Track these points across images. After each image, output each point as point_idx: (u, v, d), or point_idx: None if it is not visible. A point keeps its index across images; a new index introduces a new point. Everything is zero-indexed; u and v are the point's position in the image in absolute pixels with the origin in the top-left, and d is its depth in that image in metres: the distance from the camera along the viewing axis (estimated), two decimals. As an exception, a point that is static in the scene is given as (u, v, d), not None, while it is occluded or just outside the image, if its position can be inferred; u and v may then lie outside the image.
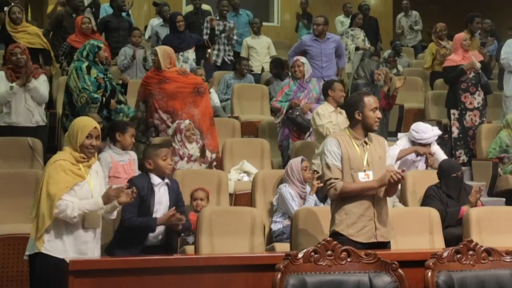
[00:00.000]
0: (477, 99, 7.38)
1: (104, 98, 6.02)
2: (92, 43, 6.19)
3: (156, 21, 10.14)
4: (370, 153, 4.08)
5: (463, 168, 6.52)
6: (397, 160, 5.88)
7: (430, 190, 5.49)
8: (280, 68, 8.48)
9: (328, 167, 4.01)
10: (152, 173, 4.38)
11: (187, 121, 5.79)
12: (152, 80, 6.20)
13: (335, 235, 4.01)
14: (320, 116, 6.04)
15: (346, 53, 9.73)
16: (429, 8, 15.30)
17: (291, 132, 6.66)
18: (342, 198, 4.01)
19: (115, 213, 4.08)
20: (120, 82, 7.39)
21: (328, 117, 6.04)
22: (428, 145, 6.06)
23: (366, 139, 4.11)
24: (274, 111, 6.76)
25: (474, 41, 8.80)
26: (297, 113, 6.52)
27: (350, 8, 11.55)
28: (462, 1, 13.67)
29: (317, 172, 5.75)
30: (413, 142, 6.09)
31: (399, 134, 6.56)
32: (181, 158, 5.68)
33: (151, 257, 4.07)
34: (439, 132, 6.25)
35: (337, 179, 3.99)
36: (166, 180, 4.42)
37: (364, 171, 4.03)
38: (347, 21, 11.06)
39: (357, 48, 9.85)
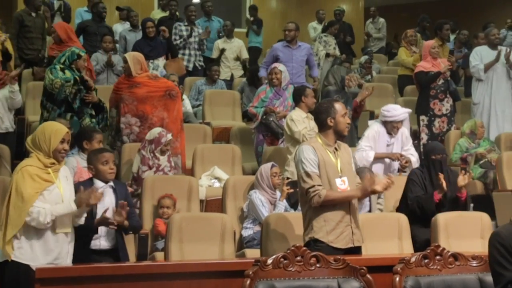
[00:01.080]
0: (446, 105, 7.47)
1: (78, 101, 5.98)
2: (73, 50, 6.15)
3: (120, 27, 10.05)
4: (341, 159, 4.14)
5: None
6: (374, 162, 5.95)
7: (412, 173, 5.49)
8: (256, 78, 8.37)
9: (308, 174, 4.03)
10: (96, 178, 4.36)
11: (169, 136, 5.73)
12: (123, 86, 6.21)
13: (314, 242, 4.03)
14: (295, 122, 6.06)
15: (316, 59, 9.81)
16: (400, 16, 15.50)
17: (265, 138, 6.68)
18: (321, 206, 4.04)
19: (83, 218, 4.04)
20: None
21: (302, 122, 6.07)
22: (400, 122, 6.11)
23: (336, 146, 4.15)
24: (250, 117, 6.75)
25: (445, 48, 8.93)
26: (271, 118, 6.54)
27: (323, 14, 11.64)
28: (433, 9, 13.86)
29: (288, 178, 5.77)
30: (385, 123, 6.14)
31: (370, 122, 6.63)
32: (150, 168, 5.65)
33: (120, 264, 4.07)
34: (409, 110, 6.36)
35: (320, 185, 4.01)
36: (111, 183, 4.37)
37: (340, 177, 4.08)
38: (320, 27, 11.15)
39: (327, 55, 9.92)
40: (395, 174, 6.01)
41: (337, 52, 10.19)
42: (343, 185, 4.07)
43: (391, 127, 6.10)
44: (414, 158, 6.12)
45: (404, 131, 6.24)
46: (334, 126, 4.11)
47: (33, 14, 8.46)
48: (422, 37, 9.76)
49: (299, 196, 4.29)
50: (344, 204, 4.08)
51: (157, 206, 5.27)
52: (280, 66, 6.95)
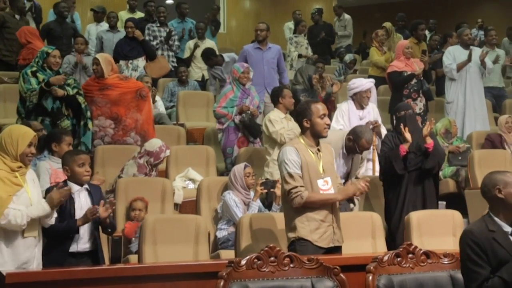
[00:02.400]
0: (419, 105, 7.53)
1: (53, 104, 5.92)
2: (42, 49, 6.16)
3: (93, 27, 10.00)
4: (324, 160, 4.16)
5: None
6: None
7: (385, 136, 5.66)
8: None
9: (291, 175, 4.05)
10: (70, 180, 4.29)
11: (168, 152, 5.72)
12: (93, 88, 6.16)
13: (298, 241, 4.05)
14: (273, 122, 6.05)
15: (288, 60, 9.83)
16: (374, 16, 15.62)
17: (237, 138, 6.64)
18: (302, 206, 4.06)
19: (53, 219, 4.00)
20: None
21: (280, 123, 6.07)
22: (368, 91, 6.29)
23: (318, 147, 4.17)
24: (218, 117, 6.67)
25: (421, 46, 9.01)
26: (250, 117, 6.51)
27: (299, 15, 11.65)
28: (406, 9, 13.97)
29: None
30: (355, 97, 6.29)
31: (338, 105, 6.69)
32: (146, 176, 5.64)
33: (93, 267, 4.03)
34: (373, 80, 6.69)
35: (302, 187, 4.03)
36: (86, 186, 4.32)
37: (322, 178, 4.10)
38: None
39: (299, 56, 9.93)
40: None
41: (310, 53, 10.21)
42: (326, 185, 4.10)
43: (360, 98, 6.29)
44: (384, 130, 6.24)
45: (374, 107, 6.42)
46: (311, 127, 4.12)
47: (17, 17, 8.35)
48: (400, 36, 9.83)
49: (282, 196, 4.30)
50: (327, 204, 4.11)
51: (129, 209, 5.23)
52: (249, 66, 6.93)
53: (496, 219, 3.17)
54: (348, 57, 10.13)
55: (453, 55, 8.04)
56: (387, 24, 10.02)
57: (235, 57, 8.82)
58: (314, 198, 4.04)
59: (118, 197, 5.35)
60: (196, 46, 9.42)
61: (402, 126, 5.40)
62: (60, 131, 5.46)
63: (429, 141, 5.39)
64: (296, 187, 4.02)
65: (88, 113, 6.05)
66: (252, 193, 5.43)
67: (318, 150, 4.16)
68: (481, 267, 3.07)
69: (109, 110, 6.09)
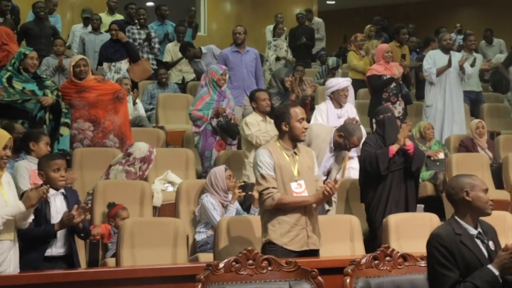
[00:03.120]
0: (398, 108, 7.57)
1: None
2: (20, 50, 6.12)
3: (79, 28, 9.97)
4: (300, 163, 4.15)
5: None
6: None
7: (367, 138, 5.70)
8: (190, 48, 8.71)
9: (263, 177, 4.05)
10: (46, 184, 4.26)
11: (155, 151, 5.75)
12: (70, 90, 6.13)
13: (268, 244, 4.05)
14: (249, 125, 6.07)
15: (267, 64, 9.84)
16: (354, 20, 15.70)
17: (216, 141, 6.62)
18: (276, 208, 4.06)
19: (30, 219, 3.96)
20: None
21: (257, 125, 6.07)
22: (345, 89, 6.39)
23: (296, 150, 4.17)
24: (194, 120, 6.63)
25: (403, 50, 9.07)
26: (227, 119, 6.50)
27: (281, 18, 11.67)
28: (385, 13, 14.06)
29: (244, 182, 5.77)
30: (333, 96, 6.38)
31: (317, 106, 6.73)
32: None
33: (70, 270, 4.00)
34: (350, 79, 6.80)
35: (274, 188, 4.03)
36: (62, 190, 4.30)
37: (296, 180, 4.10)
38: None
39: (277, 58, 9.94)
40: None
41: (289, 56, 10.21)
42: (299, 188, 4.10)
43: (338, 96, 6.38)
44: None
45: (352, 106, 6.50)
46: (289, 131, 4.13)
47: (0, 20, 8.27)
48: (379, 39, 9.89)
49: (258, 198, 4.29)
50: (299, 207, 4.10)
51: (108, 216, 5.18)
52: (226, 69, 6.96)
53: (461, 222, 3.19)
54: (331, 61, 10.15)
55: (433, 59, 8.10)
56: (366, 28, 10.09)
57: (212, 48, 8.82)
58: (286, 200, 4.04)
59: (96, 200, 5.32)
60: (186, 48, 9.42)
61: (403, 126, 5.51)
62: (38, 131, 5.43)
63: (408, 143, 5.43)
64: (268, 188, 4.03)
65: (64, 119, 6.01)
66: (230, 196, 5.42)
67: (295, 153, 4.16)
68: (450, 270, 3.08)
69: (88, 113, 6.08)
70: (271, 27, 11.59)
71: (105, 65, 8.45)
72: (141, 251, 4.55)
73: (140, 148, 5.68)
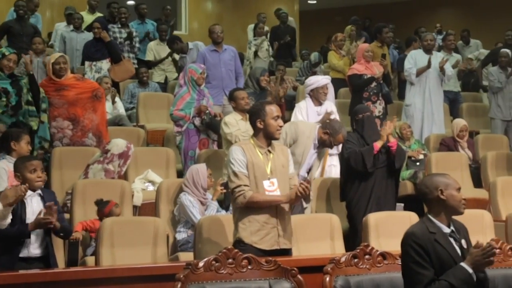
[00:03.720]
0: (378, 108, 7.61)
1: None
2: (1, 50, 6.06)
3: (62, 26, 9.91)
4: (273, 162, 4.13)
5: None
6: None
7: (349, 136, 5.71)
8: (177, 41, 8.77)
9: (236, 174, 4.03)
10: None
11: (132, 147, 5.72)
12: (49, 88, 6.10)
13: (238, 242, 4.03)
14: (228, 124, 6.06)
15: (247, 63, 9.84)
16: (335, 20, 15.76)
17: (199, 140, 6.60)
18: (247, 206, 4.04)
19: (8, 219, 3.93)
20: None
21: (236, 125, 6.06)
22: (325, 87, 6.41)
23: (270, 148, 4.16)
24: (176, 120, 6.57)
25: (385, 49, 9.11)
26: (210, 116, 6.48)
27: (264, 17, 11.68)
28: (366, 13, 14.14)
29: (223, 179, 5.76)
30: (312, 94, 6.38)
31: (297, 104, 6.75)
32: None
33: (48, 270, 3.97)
34: (329, 77, 6.91)
35: (246, 186, 4.02)
36: (38, 191, 4.26)
37: (269, 179, 4.08)
38: None
39: (256, 54, 9.92)
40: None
41: (270, 55, 10.19)
42: (272, 186, 4.08)
43: (317, 93, 6.39)
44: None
45: (332, 104, 6.53)
46: (264, 128, 4.12)
47: None
48: (359, 38, 9.93)
49: (230, 195, 4.29)
50: (271, 206, 4.08)
51: (101, 214, 5.13)
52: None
53: (435, 221, 3.20)
54: (313, 56, 10.14)
55: (414, 59, 8.14)
56: (347, 28, 10.13)
57: (198, 44, 8.80)
58: (258, 198, 4.02)
59: (75, 199, 5.28)
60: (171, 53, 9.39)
61: (388, 123, 5.52)
62: (18, 130, 5.38)
63: (392, 140, 5.46)
64: (240, 186, 4.01)
65: (44, 105, 5.97)
66: (208, 194, 5.42)
67: (269, 151, 4.15)
68: (425, 268, 3.09)
69: (67, 111, 6.05)
70: (252, 26, 11.59)
71: (86, 63, 8.39)
72: (121, 251, 4.53)
73: (117, 144, 5.67)
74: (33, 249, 4.15)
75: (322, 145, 5.70)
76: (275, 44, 10.56)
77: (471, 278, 3.05)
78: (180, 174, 6.61)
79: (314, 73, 9.78)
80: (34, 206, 4.19)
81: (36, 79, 6.10)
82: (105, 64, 8.33)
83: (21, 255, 4.12)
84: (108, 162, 5.60)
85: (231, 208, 5.27)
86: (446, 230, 3.20)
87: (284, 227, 4.12)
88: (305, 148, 5.46)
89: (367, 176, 5.49)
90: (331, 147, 5.80)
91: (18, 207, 4.10)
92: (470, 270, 3.05)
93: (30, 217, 4.13)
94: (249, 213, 4.05)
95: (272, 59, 10.15)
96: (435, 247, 3.12)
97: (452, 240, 3.18)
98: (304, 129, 5.67)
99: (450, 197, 3.19)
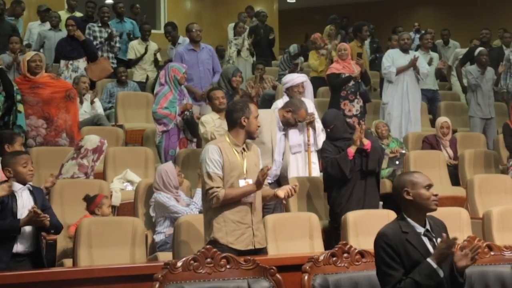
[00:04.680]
0: (356, 106, 7.64)
1: None
2: None
3: (36, 25, 9.81)
4: (248, 160, 4.14)
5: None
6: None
7: (324, 144, 5.73)
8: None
9: (209, 176, 4.01)
10: (12, 180, 4.22)
11: (106, 143, 5.72)
12: (23, 86, 6.07)
13: (213, 242, 4.00)
14: (204, 123, 6.05)
15: (230, 62, 9.82)
16: (314, 18, 15.79)
17: (179, 140, 6.57)
18: (221, 206, 4.03)
19: None
20: None
21: (212, 123, 6.05)
22: (300, 85, 6.34)
23: (244, 146, 4.15)
24: (159, 118, 6.52)
25: (363, 48, 9.13)
26: (192, 114, 6.47)
27: (244, 17, 11.66)
28: (345, 12, 14.18)
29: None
30: (288, 93, 6.34)
31: (274, 102, 6.76)
32: (86, 176, 5.55)
33: (26, 271, 3.93)
34: (305, 75, 6.86)
35: (219, 187, 4.00)
36: (28, 186, 4.27)
37: (245, 178, 4.08)
38: None
39: (238, 52, 9.91)
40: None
41: (249, 54, 10.16)
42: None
43: (293, 92, 6.34)
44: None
45: (310, 102, 6.49)
46: (247, 126, 4.11)
47: None
48: (336, 37, 9.96)
49: (201, 194, 4.26)
50: (245, 205, 4.07)
51: (93, 206, 5.10)
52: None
53: (409, 220, 3.19)
54: (292, 48, 10.13)
55: (392, 57, 8.18)
56: (327, 28, 10.14)
57: (186, 40, 8.77)
58: (231, 194, 4.01)
59: (53, 199, 5.24)
60: (156, 52, 9.32)
61: (357, 129, 5.47)
62: (11, 132, 5.43)
63: (366, 142, 5.48)
64: (212, 188, 3.99)
65: (18, 97, 5.95)
66: (180, 192, 5.39)
67: (243, 149, 4.14)
68: (394, 269, 3.08)
69: (41, 110, 6.03)
70: (232, 25, 11.59)
71: (62, 62, 8.27)
72: (99, 251, 4.50)
73: (91, 139, 5.65)
74: (23, 244, 4.13)
75: (287, 125, 5.70)
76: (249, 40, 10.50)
77: (436, 273, 3.03)
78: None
79: (296, 65, 9.82)
80: (24, 200, 4.19)
81: (6, 73, 6.06)
82: (81, 63, 8.25)
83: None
84: (82, 157, 5.56)
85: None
86: (420, 229, 3.18)
87: (258, 227, 4.14)
88: (271, 133, 5.38)
89: (347, 180, 5.49)
90: (296, 125, 5.78)
91: (9, 200, 4.12)
92: (435, 265, 3.04)
93: (21, 210, 4.13)
94: (224, 212, 4.03)
95: (254, 58, 10.13)
96: (406, 247, 3.10)
97: (426, 239, 3.17)
98: (264, 116, 5.60)
99: (417, 196, 3.16)
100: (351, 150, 5.44)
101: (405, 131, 7.96)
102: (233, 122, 4.15)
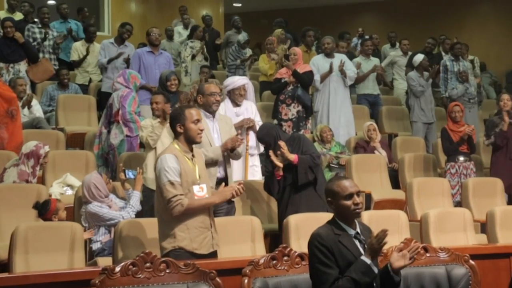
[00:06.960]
0: (292, 111, 7.59)
1: None
2: None
3: None
4: (198, 166, 4.15)
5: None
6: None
7: (265, 161, 5.74)
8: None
9: (172, 184, 3.97)
10: None
11: (46, 148, 5.56)
12: None
13: (177, 251, 3.96)
14: (142, 128, 5.98)
15: (183, 66, 9.77)
16: (260, 22, 15.85)
17: (138, 144, 6.54)
18: (183, 213, 4.00)
19: None
20: None
21: (149, 127, 5.95)
22: (241, 88, 6.34)
23: (193, 152, 4.14)
24: (130, 121, 6.45)
25: (311, 54, 9.16)
26: None
27: (186, 20, 11.62)
28: (292, 16, 14.29)
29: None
30: (230, 95, 6.37)
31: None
32: (27, 182, 5.42)
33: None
34: (246, 77, 6.89)
35: (182, 195, 3.98)
36: None
37: (198, 184, 4.08)
38: (186, 33, 11.12)
39: (193, 57, 9.86)
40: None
41: (204, 58, 10.12)
42: (201, 192, 4.08)
43: (234, 95, 6.36)
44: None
45: (252, 104, 6.52)
46: (185, 132, 4.09)
47: None
48: (286, 42, 10.00)
49: (157, 204, 4.18)
50: (204, 209, 4.09)
51: (49, 214, 4.95)
52: None
53: (340, 223, 3.29)
54: (242, 36, 10.10)
55: (316, 65, 8.17)
56: (278, 31, 10.14)
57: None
58: (194, 205, 4.01)
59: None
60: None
61: (271, 154, 5.41)
62: None
63: (292, 157, 5.36)
64: (176, 195, 3.96)
65: None
66: (112, 196, 5.32)
67: (193, 156, 4.15)
68: (330, 268, 3.17)
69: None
70: (179, 28, 11.54)
71: (3, 65, 8.08)
72: (36, 257, 4.38)
73: (27, 145, 5.54)
74: None
75: (206, 110, 5.33)
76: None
77: (371, 269, 3.14)
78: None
79: (244, 56, 9.80)
80: None
81: None
82: (22, 66, 8.08)
83: None
84: (21, 163, 5.44)
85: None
86: (351, 232, 3.30)
87: (215, 229, 4.17)
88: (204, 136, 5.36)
89: (287, 190, 5.48)
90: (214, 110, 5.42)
91: None
92: (369, 261, 3.15)
93: None
94: (186, 219, 4.01)
95: (207, 62, 10.09)
96: (339, 248, 3.20)
97: (356, 241, 3.28)
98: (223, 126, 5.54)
99: (338, 206, 3.27)
100: (278, 173, 5.41)
101: (338, 135, 7.95)
102: (174, 130, 4.16)
